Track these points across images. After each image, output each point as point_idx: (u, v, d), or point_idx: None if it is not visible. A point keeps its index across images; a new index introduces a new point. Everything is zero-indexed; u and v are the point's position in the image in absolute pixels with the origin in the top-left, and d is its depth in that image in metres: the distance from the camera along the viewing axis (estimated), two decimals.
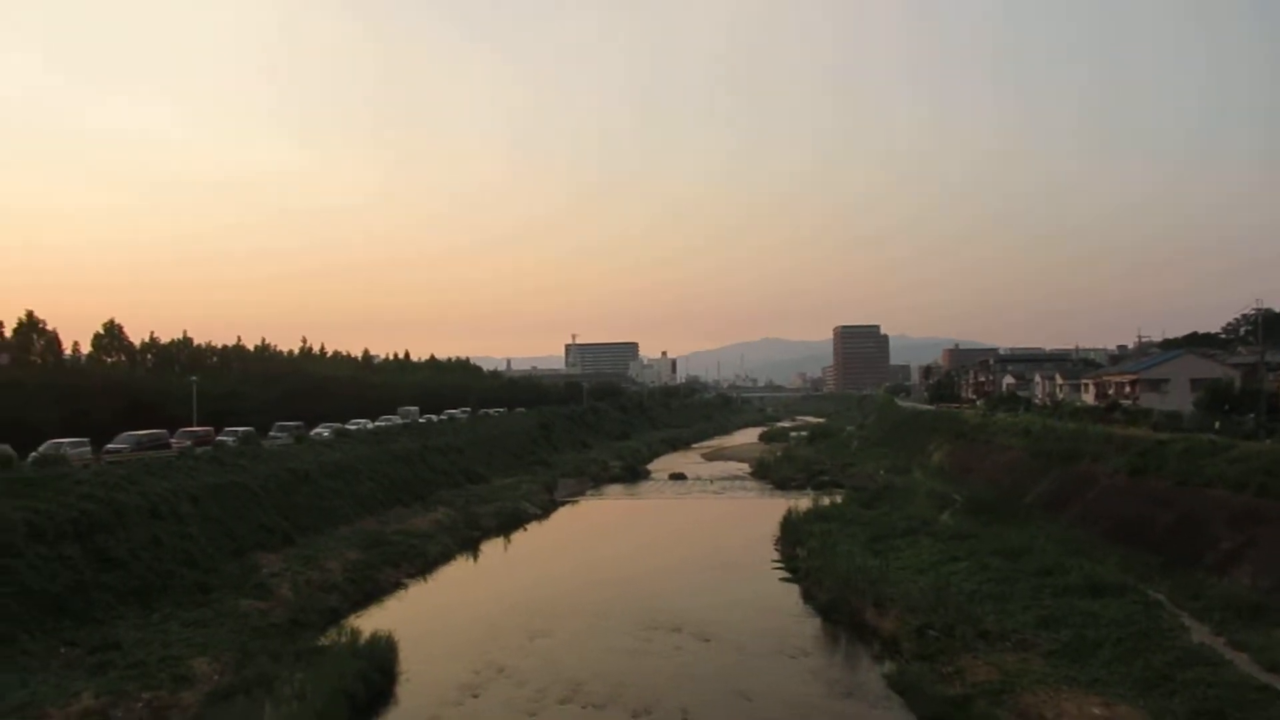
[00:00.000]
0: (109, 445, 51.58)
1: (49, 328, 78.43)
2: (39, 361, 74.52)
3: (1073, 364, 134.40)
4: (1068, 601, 33.41)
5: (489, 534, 61.97)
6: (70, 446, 47.62)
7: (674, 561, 53.51)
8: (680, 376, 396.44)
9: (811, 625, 37.49)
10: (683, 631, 36.50)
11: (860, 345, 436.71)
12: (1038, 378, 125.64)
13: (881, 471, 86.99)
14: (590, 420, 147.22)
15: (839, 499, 66.55)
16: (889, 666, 30.25)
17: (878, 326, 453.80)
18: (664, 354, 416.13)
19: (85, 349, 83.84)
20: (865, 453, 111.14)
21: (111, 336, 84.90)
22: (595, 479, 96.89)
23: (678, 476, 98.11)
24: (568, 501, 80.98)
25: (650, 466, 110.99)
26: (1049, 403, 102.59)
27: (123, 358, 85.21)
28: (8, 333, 74.94)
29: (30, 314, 77.18)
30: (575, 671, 31.29)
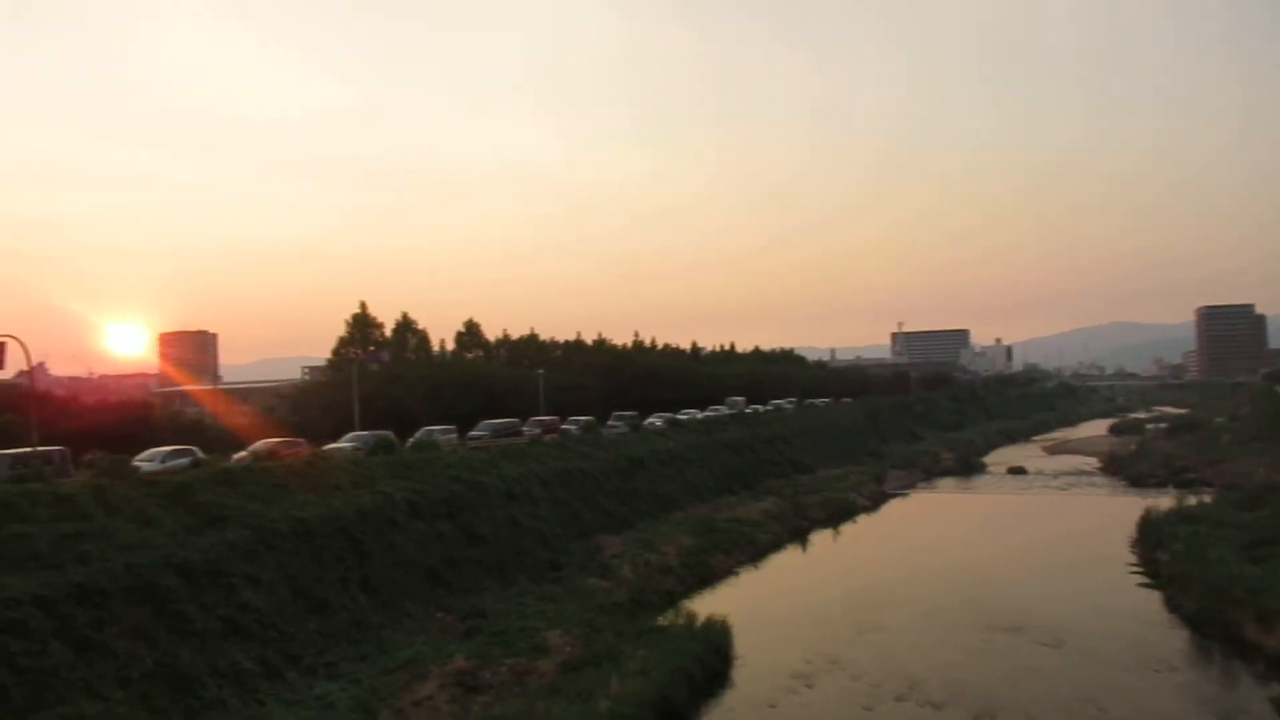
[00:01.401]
0: (471, 433, 56.84)
1: (420, 327, 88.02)
2: (413, 358, 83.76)
3: None
4: None
5: (817, 524, 61.74)
6: (440, 434, 52.95)
7: (1014, 559, 50.58)
8: (1017, 364, 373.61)
9: (1176, 636, 33.91)
10: (1025, 632, 34.40)
11: (1229, 327, 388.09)
12: None
13: (1260, 469, 76.93)
14: (919, 411, 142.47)
15: (1207, 499, 59.71)
16: (1278, 690, 26.71)
17: (1252, 305, 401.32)
18: (998, 341, 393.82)
19: (450, 346, 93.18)
20: (1239, 448, 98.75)
21: (471, 334, 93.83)
22: (926, 471, 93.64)
23: (1016, 470, 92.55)
24: (897, 494, 78.90)
25: (985, 459, 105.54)
26: None
27: (480, 353, 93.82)
28: (388, 333, 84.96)
29: (405, 315, 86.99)
30: (911, 667, 30.44)
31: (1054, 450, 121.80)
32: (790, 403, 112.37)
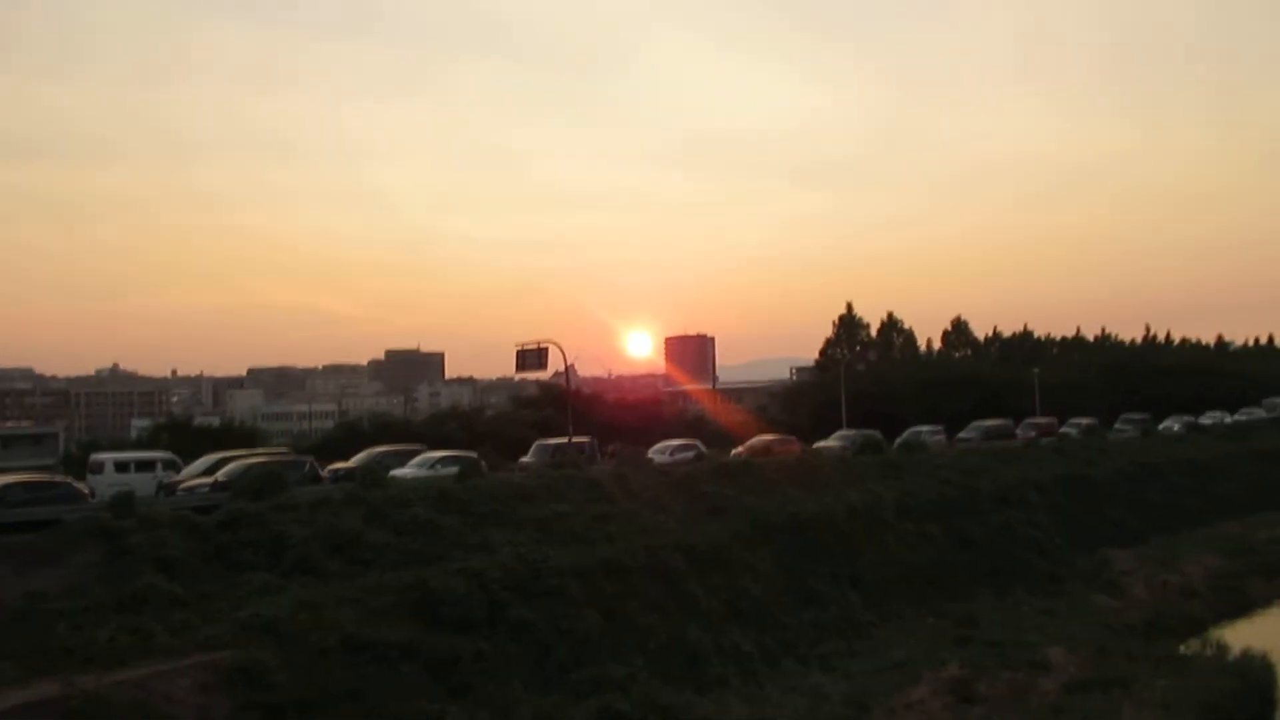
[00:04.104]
0: (960, 434, 55.32)
1: (906, 326, 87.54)
2: (899, 357, 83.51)
3: None
4: None
5: None
6: (928, 434, 52.19)
7: None
8: None
9: None
10: None
11: None
12: None
13: None
14: None
15: None
16: None
17: None
18: None
19: (937, 344, 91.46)
20: None
21: (959, 332, 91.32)
22: None
23: None
24: None
25: None
26: None
27: (969, 352, 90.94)
28: (873, 332, 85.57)
29: (890, 315, 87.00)
30: None
31: None
32: None
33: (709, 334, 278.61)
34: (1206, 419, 72.46)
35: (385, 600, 21.83)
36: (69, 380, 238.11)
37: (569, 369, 47.30)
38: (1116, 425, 66.42)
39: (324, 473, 33.84)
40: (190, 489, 30.16)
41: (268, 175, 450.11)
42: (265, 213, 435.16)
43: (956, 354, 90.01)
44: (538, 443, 43.34)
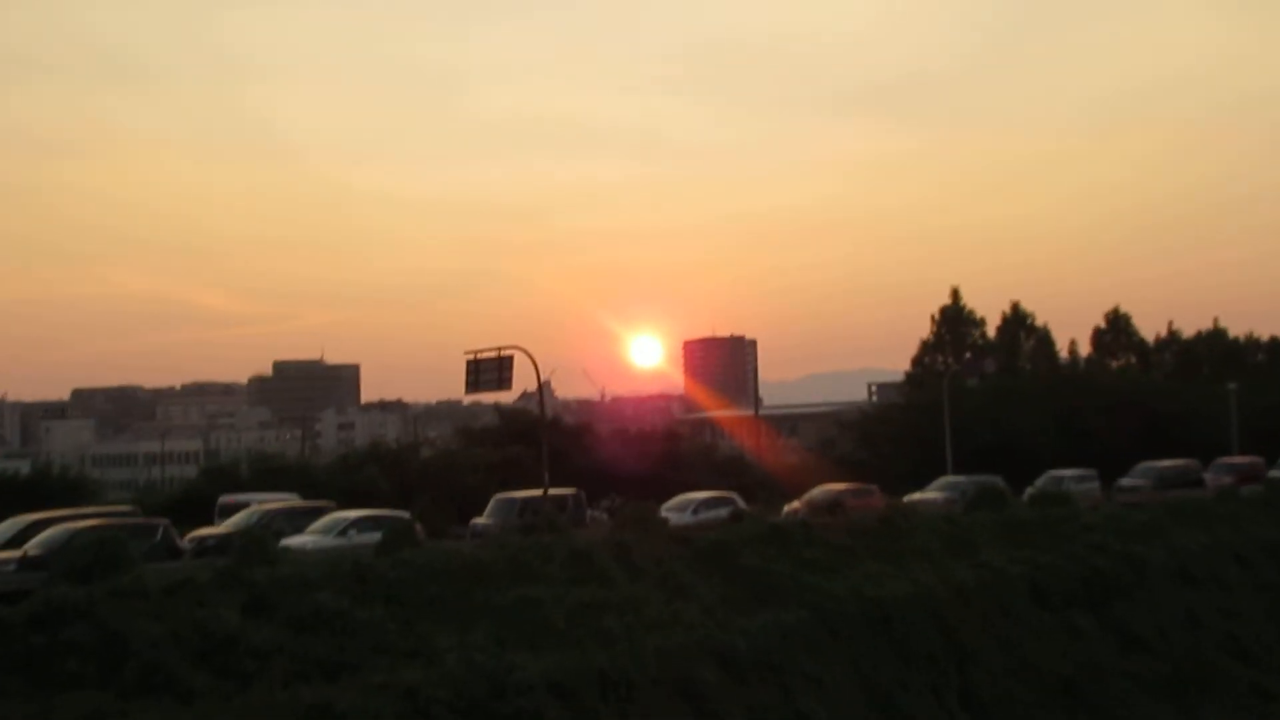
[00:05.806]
0: (1121, 480, 55.14)
1: (1038, 322, 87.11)
2: (1028, 367, 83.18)
3: None
4: None
5: None
6: (1073, 480, 52.06)
7: None
8: None
9: None
10: None
11: None
12: None
13: None
14: None
15: None
16: None
17: None
18: None
19: (1084, 349, 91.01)
20: None
21: (1117, 331, 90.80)
22: None
23: None
24: None
25: None
26: None
27: (1132, 359, 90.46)
28: (990, 332, 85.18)
29: (1015, 306, 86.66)
30: None
31: None
32: None
33: (747, 336, 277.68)
34: None
35: None
36: None
37: (543, 387, 47.26)
38: None
39: (184, 542, 33.79)
40: None
41: (99, 107, 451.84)
42: (98, 162, 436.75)
43: (1114, 363, 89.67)
44: (499, 496, 43.29)
